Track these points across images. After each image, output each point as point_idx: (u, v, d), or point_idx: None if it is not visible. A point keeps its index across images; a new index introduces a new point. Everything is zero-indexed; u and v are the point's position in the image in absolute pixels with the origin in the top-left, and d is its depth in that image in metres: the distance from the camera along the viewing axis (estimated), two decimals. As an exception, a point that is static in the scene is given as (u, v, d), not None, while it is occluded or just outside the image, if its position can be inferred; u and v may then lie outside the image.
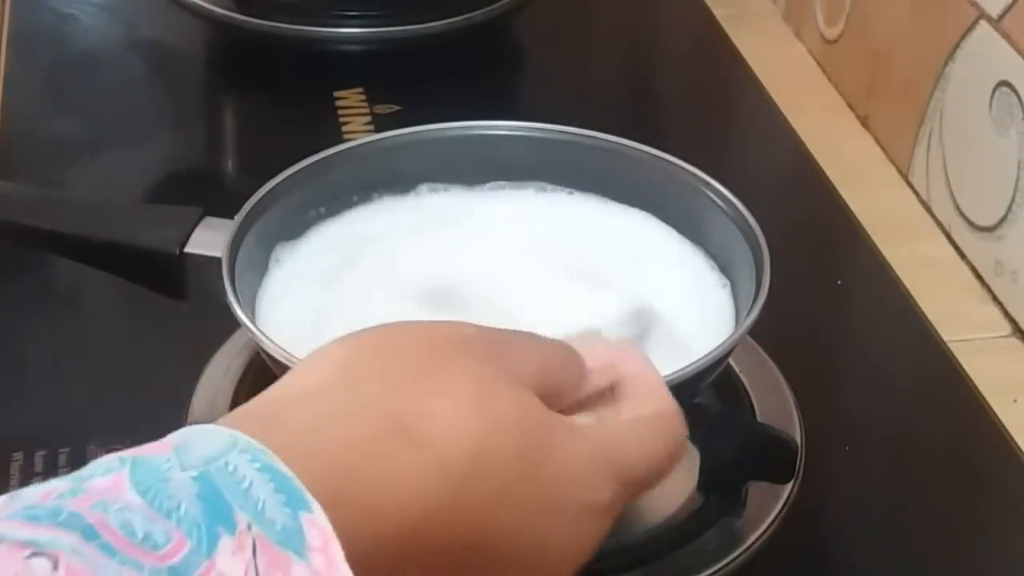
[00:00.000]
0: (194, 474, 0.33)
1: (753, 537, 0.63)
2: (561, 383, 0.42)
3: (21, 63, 1.06)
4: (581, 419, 0.44)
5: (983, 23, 0.85)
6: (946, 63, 0.89)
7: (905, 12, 0.95)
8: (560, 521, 0.40)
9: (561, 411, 0.43)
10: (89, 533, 0.31)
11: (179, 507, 0.32)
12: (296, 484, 0.33)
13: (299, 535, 0.33)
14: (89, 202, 0.76)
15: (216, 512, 0.32)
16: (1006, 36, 0.83)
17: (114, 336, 0.79)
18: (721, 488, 0.65)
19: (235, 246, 0.64)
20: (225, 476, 0.33)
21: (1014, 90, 0.82)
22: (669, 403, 0.45)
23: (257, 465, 0.34)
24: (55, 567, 0.30)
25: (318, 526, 0.33)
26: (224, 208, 0.67)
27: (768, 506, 0.65)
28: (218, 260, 0.63)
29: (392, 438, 0.37)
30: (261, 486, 0.33)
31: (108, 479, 0.33)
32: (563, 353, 0.44)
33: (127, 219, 0.68)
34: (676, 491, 0.66)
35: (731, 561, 0.63)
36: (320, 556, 0.33)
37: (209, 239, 0.65)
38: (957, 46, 0.88)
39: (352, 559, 0.33)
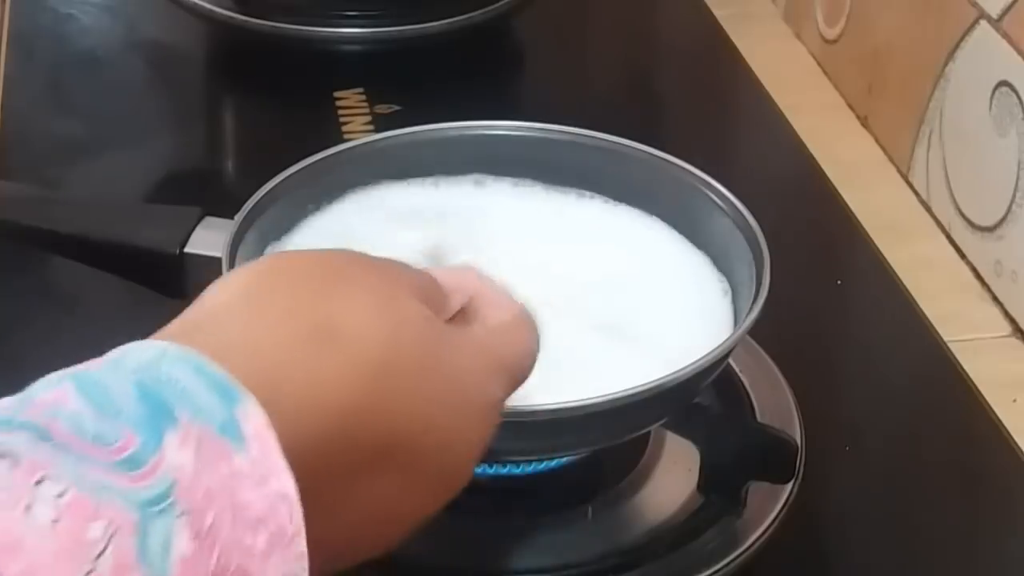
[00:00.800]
0: (132, 380, 0.35)
1: (753, 537, 0.63)
2: (433, 302, 0.45)
3: (21, 63, 1.05)
4: None
5: (983, 23, 0.85)
6: (946, 63, 0.89)
7: (905, 12, 0.95)
8: (465, 415, 0.43)
9: None
10: (42, 434, 0.32)
11: (123, 409, 0.34)
12: (228, 380, 0.35)
13: (235, 426, 0.34)
14: (89, 202, 0.76)
15: (158, 410, 0.34)
16: (1006, 36, 0.83)
17: (114, 336, 0.78)
18: (721, 488, 0.65)
19: (235, 246, 0.64)
20: (161, 379, 0.35)
21: (1014, 90, 0.82)
22: (520, 306, 0.49)
23: (190, 367, 0.35)
24: (16, 464, 0.31)
25: (252, 416, 0.35)
26: (224, 208, 0.67)
27: (768, 506, 0.65)
28: (218, 260, 0.63)
29: (312, 340, 0.39)
30: (196, 385, 0.35)
31: (53, 392, 0.34)
32: (429, 277, 0.46)
33: (127, 219, 0.69)
34: (676, 491, 0.66)
35: (731, 561, 0.63)
36: (256, 443, 0.34)
37: (209, 239, 0.65)
38: (957, 46, 0.88)
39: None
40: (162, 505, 0.32)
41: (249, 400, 0.35)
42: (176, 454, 0.33)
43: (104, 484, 0.32)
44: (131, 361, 0.36)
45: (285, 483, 0.35)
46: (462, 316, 0.47)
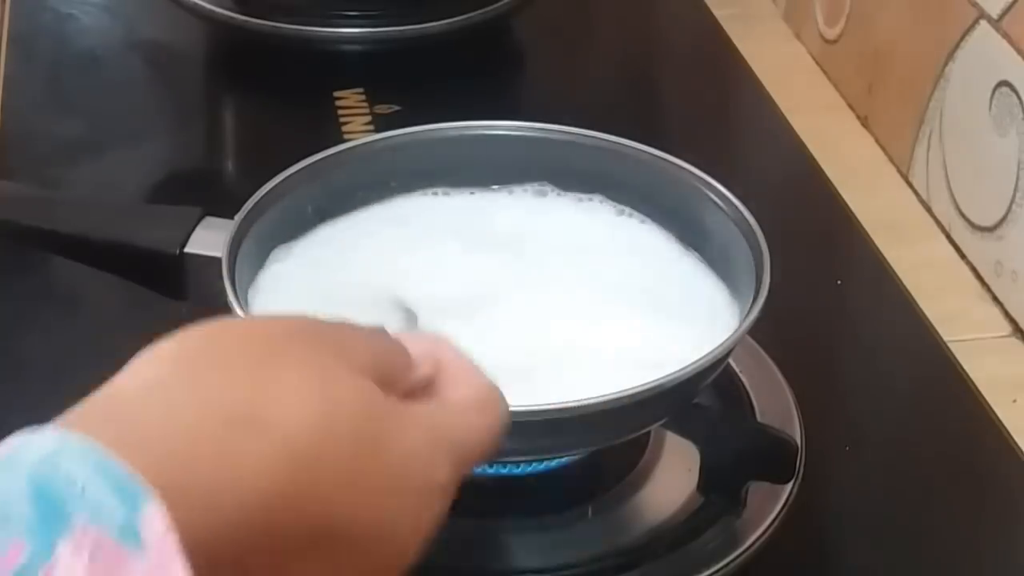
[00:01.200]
0: (25, 479, 0.32)
1: (753, 537, 0.64)
2: (391, 372, 0.43)
3: (21, 63, 1.05)
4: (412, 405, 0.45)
5: (983, 23, 0.85)
6: (946, 63, 0.89)
7: (905, 12, 0.95)
8: (404, 501, 0.41)
9: None
10: None
11: (13, 514, 0.32)
12: (130, 478, 0.33)
13: (135, 529, 0.32)
14: (89, 202, 0.76)
15: (52, 514, 0.32)
16: (1006, 36, 0.83)
17: (114, 336, 0.79)
18: (721, 488, 0.65)
19: (235, 246, 0.64)
20: (58, 477, 0.33)
21: (1014, 90, 0.82)
22: (490, 385, 0.46)
23: (90, 462, 0.33)
24: None
25: (154, 519, 0.33)
26: (224, 208, 0.67)
27: (768, 506, 0.65)
28: (218, 260, 0.63)
29: (229, 427, 0.37)
30: (94, 483, 0.33)
31: None
32: (391, 343, 0.45)
33: (127, 219, 0.69)
34: (676, 491, 0.66)
35: (731, 561, 0.63)
36: (157, 549, 0.32)
37: (209, 239, 0.65)
38: (957, 46, 0.88)
39: (195, 550, 0.33)
40: None
41: (152, 500, 0.33)
42: (68, 563, 0.31)
43: None
44: (27, 455, 0.33)
45: None
46: (426, 388, 0.45)
